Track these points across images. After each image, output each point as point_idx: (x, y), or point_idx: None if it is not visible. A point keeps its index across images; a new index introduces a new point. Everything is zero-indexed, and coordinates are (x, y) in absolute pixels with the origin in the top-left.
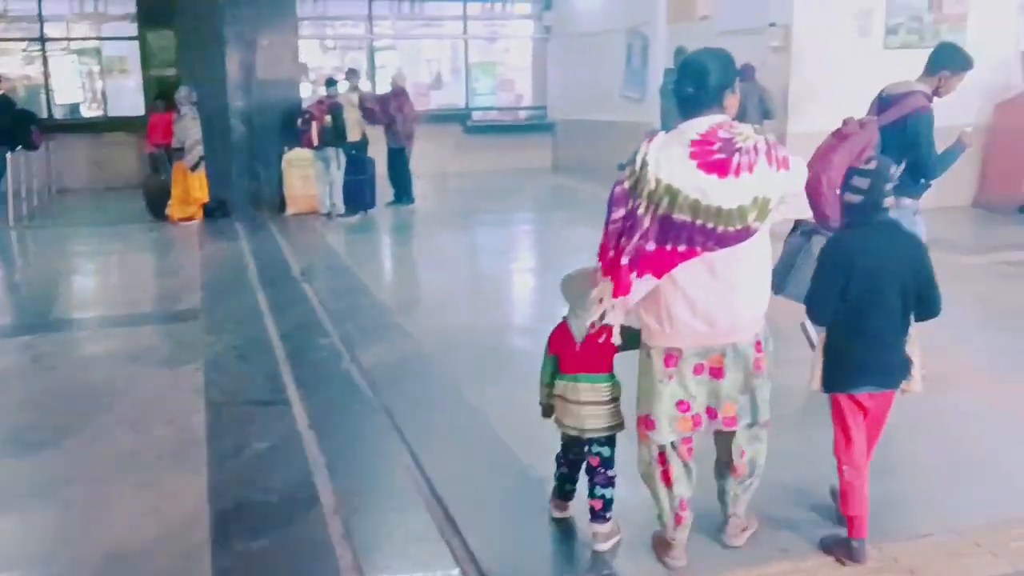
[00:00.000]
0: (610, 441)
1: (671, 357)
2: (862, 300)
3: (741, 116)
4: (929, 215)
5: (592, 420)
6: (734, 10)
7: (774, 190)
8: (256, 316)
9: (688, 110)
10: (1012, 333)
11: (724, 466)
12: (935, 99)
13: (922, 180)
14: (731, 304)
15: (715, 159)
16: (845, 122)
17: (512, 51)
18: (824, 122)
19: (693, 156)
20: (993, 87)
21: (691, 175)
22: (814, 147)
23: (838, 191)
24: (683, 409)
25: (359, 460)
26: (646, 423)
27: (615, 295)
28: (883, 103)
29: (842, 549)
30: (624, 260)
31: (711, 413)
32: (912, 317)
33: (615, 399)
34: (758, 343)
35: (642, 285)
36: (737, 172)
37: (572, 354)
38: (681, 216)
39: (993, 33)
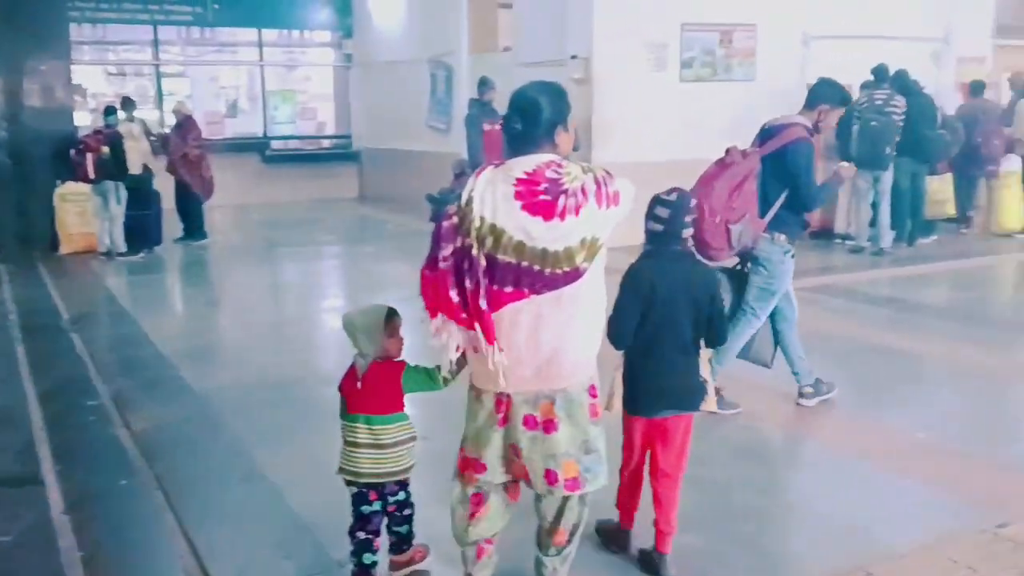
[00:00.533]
0: (403, 485)
1: (500, 403)
2: (659, 327)
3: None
4: None
5: (370, 464)
6: (535, 42)
7: (603, 229)
8: (11, 375)
9: (516, 146)
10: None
11: (548, 534)
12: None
13: (802, 214)
14: (560, 347)
15: (540, 200)
16: (728, 151)
17: (313, 79)
18: (626, 152)
19: (518, 196)
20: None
21: (515, 216)
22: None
23: (717, 219)
24: (516, 453)
25: (123, 552)
26: (475, 466)
27: (489, 342)
28: (764, 135)
29: (614, 536)
30: (483, 303)
31: (551, 478)
32: (702, 343)
33: (401, 442)
34: (592, 387)
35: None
36: (563, 215)
37: (355, 393)
38: (506, 257)
39: (778, 67)
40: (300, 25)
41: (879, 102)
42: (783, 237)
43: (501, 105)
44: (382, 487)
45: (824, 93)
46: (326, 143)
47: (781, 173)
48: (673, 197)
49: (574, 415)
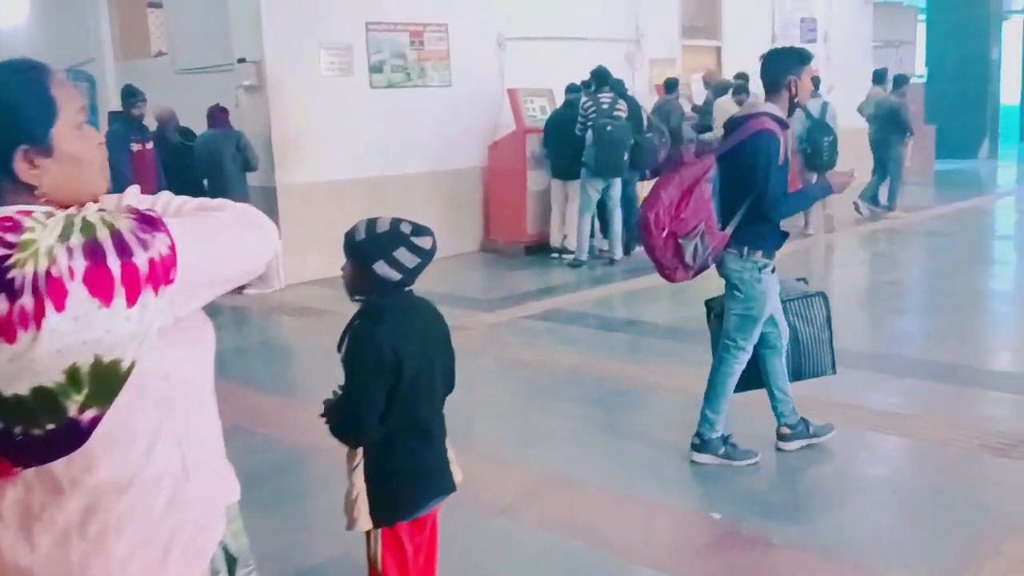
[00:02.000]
0: None
1: None
2: (415, 396)
3: (215, 172)
4: (440, 264)
5: None
6: (195, 45)
7: (119, 342)
8: None
9: None
10: (547, 406)
11: None
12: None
13: (777, 223)
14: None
15: None
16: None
17: None
18: (317, 171)
19: None
20: (485, 128)
21: None
22: (309, 201)
23: (664, 233)
24: None
25: None
26: None
27: None
28: (728, 129)
29: None
30: None
31: None
32: None
33: None
34: None
35: None
36: (9, 332)
37: None
38: None
39: (475, 70)
40: None
41: (606, 106)
42: (758, 252)
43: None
44: None
45: (781, 64)
46: None
47: (742, 174)
48: (428, 244)
49: None
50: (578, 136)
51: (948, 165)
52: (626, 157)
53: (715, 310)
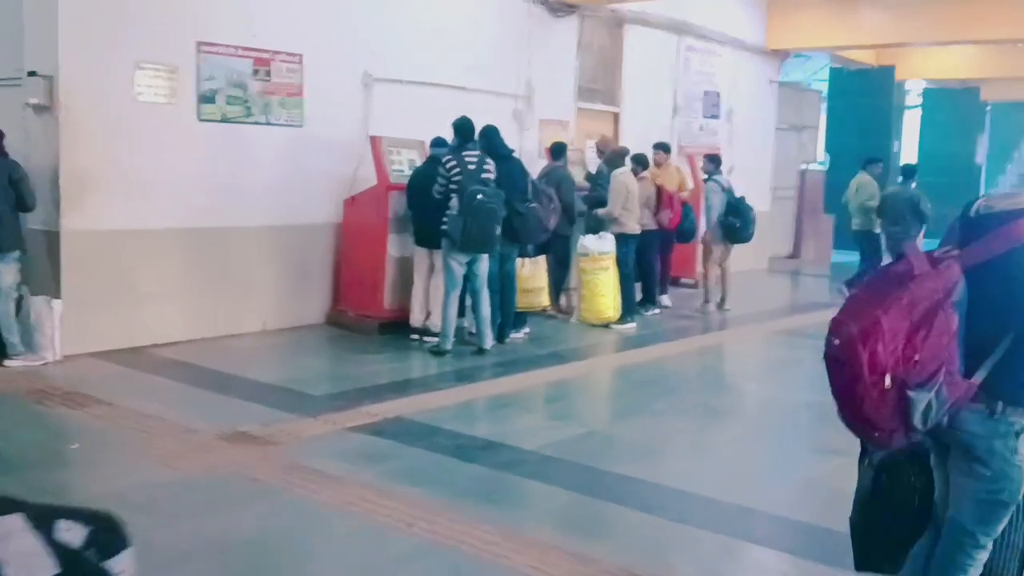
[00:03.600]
0: None
1: None
2: None
3: None
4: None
5: None
6: None
7: None
8: None
9: None
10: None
11: None
12: None
13: None
14: None
15: None
16: (906, 252)
17: None
18: (118, 215)
19: None
20: (341, 179)
21: None
22: (101, 251)
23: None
24: None
25: None
26: None
27: None
28: (972, 225)
29: None
30: None
31: None
32: None
33: None
34: None
35: None
36: None
37: None
38: None
39: (334, 111)
40: None
41: (472, 166)
42: (1018, 411)
43: None
44: None
45: None
46: None
47: (1005, 297)
48: None
49: None
50: (439, 199)
51: (846, 256)
52: (497, 231)
53: (870, 459)
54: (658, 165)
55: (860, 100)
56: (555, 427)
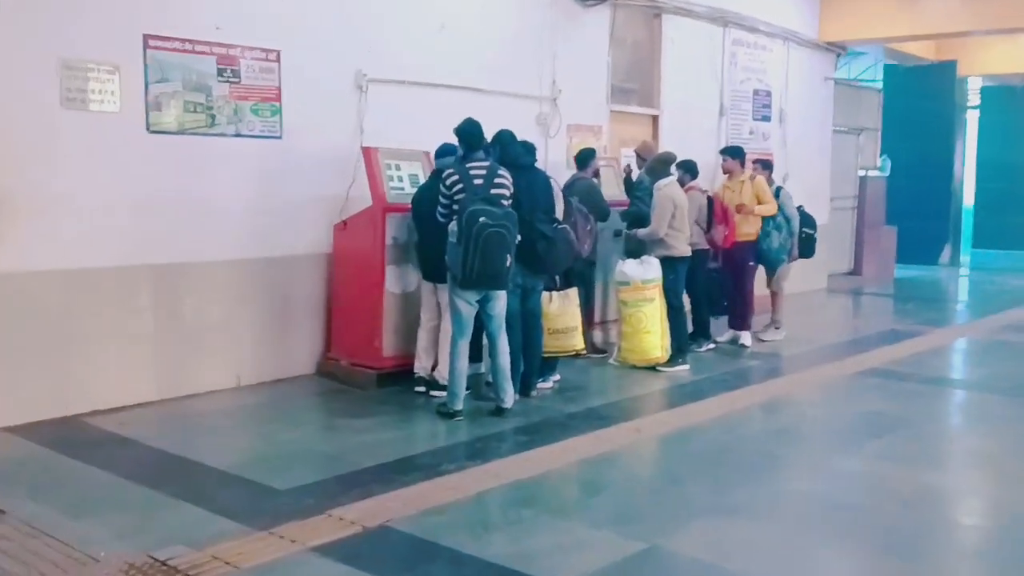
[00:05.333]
0: None
1: None
2: None
3: None
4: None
5: None
6: None
7: None
8: None
9: None
10: None
11: None
12: None
13: None
14: None
15: None
16: None
17: None
18: (39, 254)
19: None
20: (330, 201)
21: None
22: (22, 298)
23: None
24: None
25: None
26: None
27: None
28: None
29: None
30: None
31: None
32: None
33: None
34: None
35: None
36: None
37: None
38: None
39: (321, 119)
40: None
41: (478, 181)
42: None
43: None
44: None
45: None
46: None
47: None
48: None
49: None
50: (444, 222)
51: (909, 271)
52: (509, 262)
53: None
54: (728, 174)
55: (919, 100)
56: (598, 540)
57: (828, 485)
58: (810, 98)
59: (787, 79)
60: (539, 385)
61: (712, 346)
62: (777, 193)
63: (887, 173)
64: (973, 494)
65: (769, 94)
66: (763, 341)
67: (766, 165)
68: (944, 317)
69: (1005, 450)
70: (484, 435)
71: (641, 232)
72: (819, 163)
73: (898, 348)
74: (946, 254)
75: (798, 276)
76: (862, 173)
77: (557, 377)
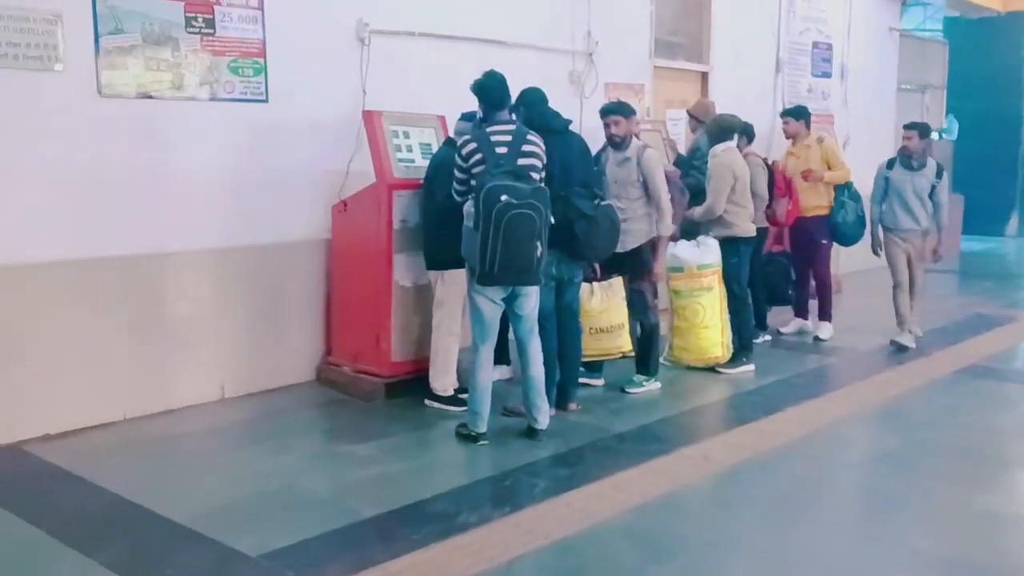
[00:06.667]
0: None
1: None
2: None
3: None
4: (239, 410)
5: None
6: None
7: None
8: None
9: None
10: None
11: None
12: None
13: None
14: None
15: None
16: None
17: None
18: None
19: None
20: (328, 177)
21: None
22: None
23: None
24: None
25: None
26: None
27: None
28: None
29: None
30: None
31: None
32: None
33: None
34: None
35: None
36: None
37: None
38: None
39: (315, 78)
40: None
41: (502, 149)
42: None
43: None
44: None
45: None
46: None
47: None
48: None
49: None
50: (460, 202)
51: (973, 243)
52: (539, 251)
53: None
54: (791, 138)
55: (984, 54)
56: None
57: (971, 536)
58: (874, 52)
59: (849, 30)
60: (569, 404)
61: (768, 338)
62: (940, 173)
63: (954, 136)
64: None
65: (830, 47)
66: (820, 340)
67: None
68: None
69: None
70: (513, 467)
71: (697, 212)
72: (884, 124)
73: (993, 339)
74: (1013, 224)
75: (857, 253)
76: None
77: (602, 381)
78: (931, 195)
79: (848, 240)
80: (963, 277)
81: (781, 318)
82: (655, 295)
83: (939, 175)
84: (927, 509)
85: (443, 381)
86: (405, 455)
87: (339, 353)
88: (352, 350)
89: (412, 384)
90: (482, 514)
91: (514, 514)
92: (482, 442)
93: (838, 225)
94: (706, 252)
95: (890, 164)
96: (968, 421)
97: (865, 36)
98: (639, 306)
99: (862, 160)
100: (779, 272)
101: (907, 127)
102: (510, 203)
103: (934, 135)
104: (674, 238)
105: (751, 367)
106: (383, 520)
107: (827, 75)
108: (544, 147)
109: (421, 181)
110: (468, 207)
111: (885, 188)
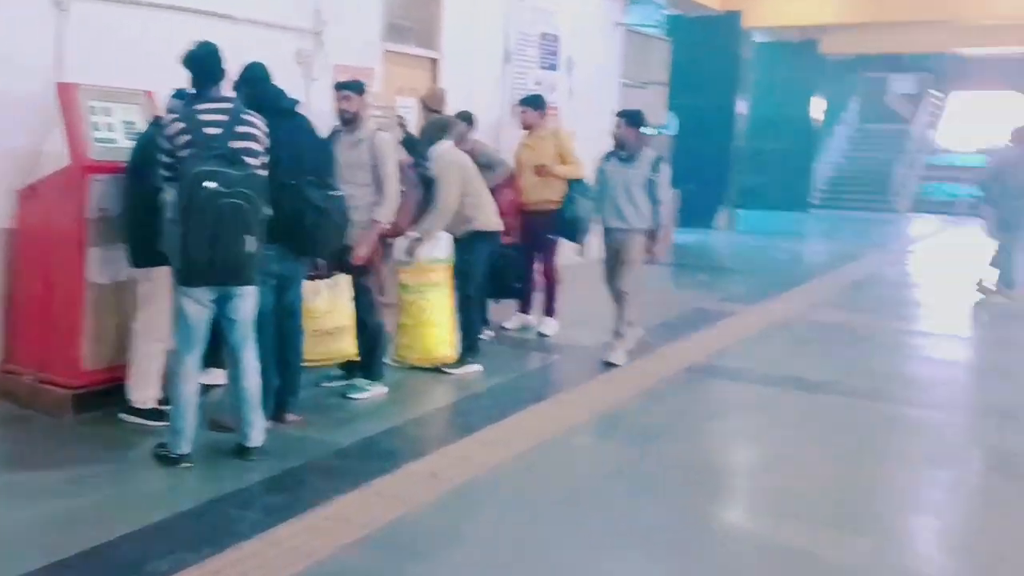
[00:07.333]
0: None
1: None
2: None
3: None
4: None
5: None
6: None
7: None
8: None
9: None
10: None
11: None
12: None
13: None
14: None
15: None
16: None
17: None
18: None
19: None
20: (12, 157)
21: None
22: None
23: None
24: None
25: None
26: None
27: None
28: None
29: None
30: None
31: None
32: None
33: None
34: None
35: None
36: None
37: None
38: None
39: (14, 49)
40: None
41: (215, 130)
42: None
43: None
44: None
45: None
46: None
47: None
48: None
49: None
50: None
51: (685, 236)
52: (252, 245)
53: None
54: (527, 129)
55: (702, 52)
56: None
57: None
58: (599, 46)
59: (575, 22)
60: (288, 416)
61: (492, 334)
62: (656, 166)
63: (674, 132)
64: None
65: (557, 39)
66: (544, 336)
67: (633, 119)
68: (748, 292)
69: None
70: (219, 495)
71: (427, 223)
72: (607, 119)
73: (716, 334)
74: (723, 217)
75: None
76: (652, 132)
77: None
78: (649, 191)
79: (575, 236)
80: (678, 270)
81: (504, 313)
82: (382, 292)
83: (655, 168)
84: (672, 531)
85: (143, 392)
86: (90, 484)
87: (20, 359)
88: (36, 356)
89: (107, 395)
90: (174, 560)
91: (213, 558)
92: (185, 464)
93: (566, 221)
94: (436, 246)
95: (609, 156)
96: (703, 427)
97: (591, 30)
98: (363, 303)
99: (585, 155)
100: (508, 265)
101: (617, 115)
102: (217, 191)
103: (651, 129)
104: (400, 231)
105: (478, 367)
106: (53, 573)
107: (554, 67)
108: (267, 129)
109: (124, 164)
110: (171, 195)
111: (602, 182)
